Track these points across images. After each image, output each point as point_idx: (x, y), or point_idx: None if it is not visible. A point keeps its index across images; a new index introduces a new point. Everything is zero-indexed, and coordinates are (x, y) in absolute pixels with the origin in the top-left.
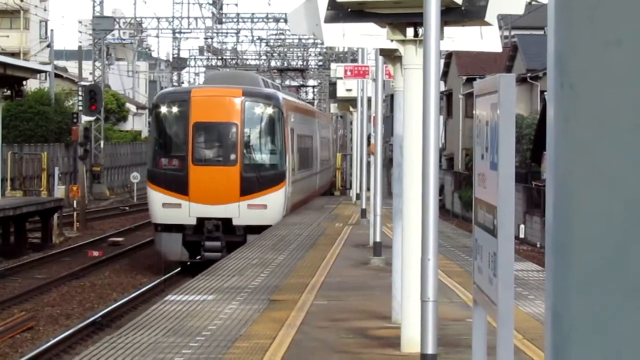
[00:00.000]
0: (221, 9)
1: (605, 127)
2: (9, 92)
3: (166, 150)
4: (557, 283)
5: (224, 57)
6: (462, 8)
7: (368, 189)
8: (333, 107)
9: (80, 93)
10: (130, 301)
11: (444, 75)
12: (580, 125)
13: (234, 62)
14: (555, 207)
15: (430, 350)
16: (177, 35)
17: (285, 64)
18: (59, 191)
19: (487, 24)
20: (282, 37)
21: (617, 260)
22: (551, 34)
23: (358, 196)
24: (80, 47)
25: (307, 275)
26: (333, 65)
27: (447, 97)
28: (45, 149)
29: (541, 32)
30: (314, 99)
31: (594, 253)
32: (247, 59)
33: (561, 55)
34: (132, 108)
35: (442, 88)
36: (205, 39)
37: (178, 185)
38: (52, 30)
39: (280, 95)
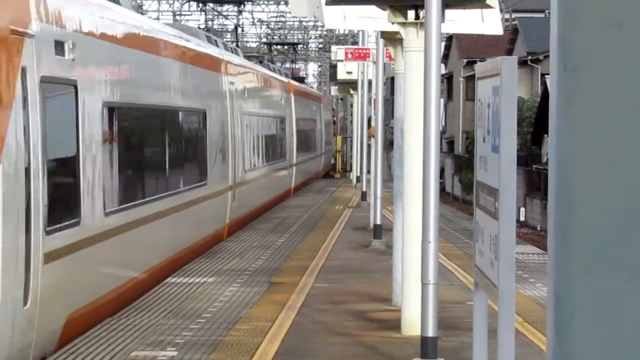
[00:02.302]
0: None
1: (607, 109)
2: None
3: None
4: (559, 266)
5: (225, 39)
6: None
7: (368, 172)
8: (334, 90)
9: None
10: None
11: (445, 58)
12: (582, 108)
13: (234, 44)
14: (557, 190)
15: (430, 333)
16: (178, 17)
17: (287, 47)
18: None
19: (488, 6)
20: (283, 19)
21: (619, 243)
22: (554, 16)
23: (358, 179)
24: None
25: (308, 257)
26: (334, 48)
27: (447, 80)
28: None
29: (542, 15)
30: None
31: (596, 236)
32: (247, 41)
33: (564, 38)
34: None
35: (443, 71)
36: (206, 21)
37: None
38: None
39: None
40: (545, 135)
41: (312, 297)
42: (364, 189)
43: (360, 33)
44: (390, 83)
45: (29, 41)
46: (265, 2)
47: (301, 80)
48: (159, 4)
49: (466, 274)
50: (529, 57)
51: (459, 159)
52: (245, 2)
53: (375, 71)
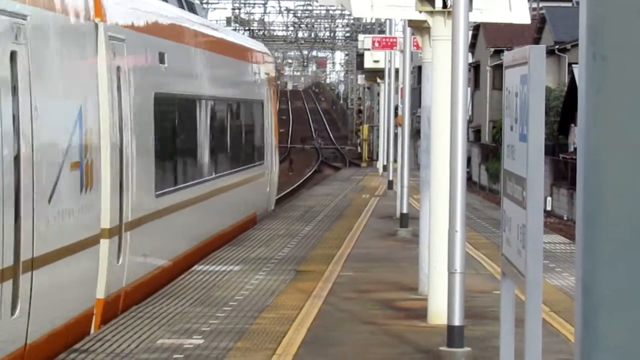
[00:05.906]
0: None
1: (637, 98)
2: None
3: None
4: (587, 255)
5: (251, 28)
6: None
7: (395, 161)
8: (360, 79)
9: None
10: None
11: (472, 47)
12: (611, 97)
13: (261, 32)
14: (586, 179)
15: (457, 321)
16: (205, 6)
17: (313, 35)
18: None
19: None
20: (310, 8)
21: None
22: (583, 5)
23: (385, 168)
24: None
25: (334, 246)
26: (361, 37)
27: (474, 69)
28: None
29: (569, 4)
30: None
31: (624, 225)
32: (274, 30)
33: (593, 27)
34: None
35: (470, 60)
36: (233, 9)
37: None
38: None
39: None
40: (572, 125)
41: (339, 285)
42: (390, 178)
43: (388, 22)
44: (418, 72)
45: None
46: None
47: None
48: None
49: (493, 263)
50: (557, 47)
51: (485, 148)
52: None
53: (402, 60)
